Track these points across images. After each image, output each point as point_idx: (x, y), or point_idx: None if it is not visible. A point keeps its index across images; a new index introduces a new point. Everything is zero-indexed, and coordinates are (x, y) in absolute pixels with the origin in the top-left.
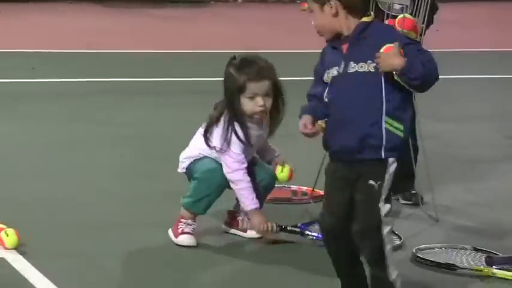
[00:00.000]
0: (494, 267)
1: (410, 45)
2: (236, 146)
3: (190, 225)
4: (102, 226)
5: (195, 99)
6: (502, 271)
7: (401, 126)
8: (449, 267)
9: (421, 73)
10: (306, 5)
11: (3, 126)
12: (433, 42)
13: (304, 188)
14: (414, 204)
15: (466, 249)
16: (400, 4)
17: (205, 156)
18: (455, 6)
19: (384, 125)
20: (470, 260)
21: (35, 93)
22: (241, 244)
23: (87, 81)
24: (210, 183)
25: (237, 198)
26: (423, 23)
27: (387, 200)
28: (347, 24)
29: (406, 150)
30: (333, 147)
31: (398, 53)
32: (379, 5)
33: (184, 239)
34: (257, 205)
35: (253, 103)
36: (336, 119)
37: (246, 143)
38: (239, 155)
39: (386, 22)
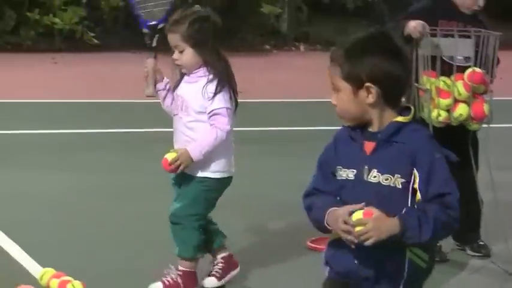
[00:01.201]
0: None
1: (435, 174)
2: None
3: None
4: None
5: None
6: None
7: (425, 256)
8: None
9: (426, 237)
10: None
11: (60, 175)
12: (498, 90)
13: None
14: (484, 256)
15: None
16: (463, 56)
17: None
18: None
19: (406, 253)
20: None
21: (90, 143)
22: None
23: (143, 131)
24: None
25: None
26: (492, 76)
27: None
28: (381, 118)
29: (470, 201)
30: (336, 267)
31: (384, 215)
32: (443, 57)
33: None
34: None
35: None
36: None
37: (172, 89)
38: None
39: (453, 77)
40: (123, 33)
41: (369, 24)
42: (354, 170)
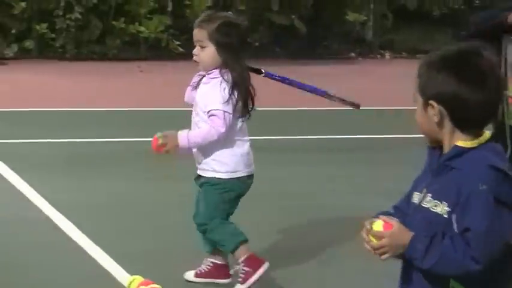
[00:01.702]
0: None
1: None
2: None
3: None
4: None
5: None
6: None
7: None
8: None
9: (427, 265)
10: None
11: (146, 184)
12: None
13: None
14: None
15: None
16: None
17: None
18: None
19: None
20: None
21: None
22: None
23: None
24: None
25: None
26: None
27: None
28: (450, 141)
29: None
30: None
31: (403, 229)
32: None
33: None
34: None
35: None
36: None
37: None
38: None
39: None
40: None
41: (454, 32)
42: (419, 193)
